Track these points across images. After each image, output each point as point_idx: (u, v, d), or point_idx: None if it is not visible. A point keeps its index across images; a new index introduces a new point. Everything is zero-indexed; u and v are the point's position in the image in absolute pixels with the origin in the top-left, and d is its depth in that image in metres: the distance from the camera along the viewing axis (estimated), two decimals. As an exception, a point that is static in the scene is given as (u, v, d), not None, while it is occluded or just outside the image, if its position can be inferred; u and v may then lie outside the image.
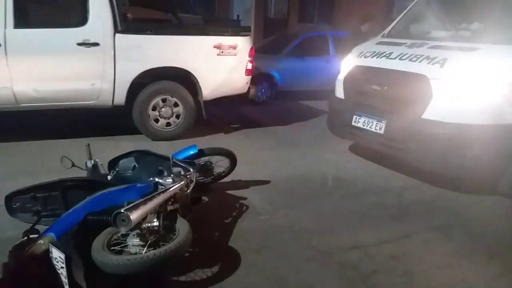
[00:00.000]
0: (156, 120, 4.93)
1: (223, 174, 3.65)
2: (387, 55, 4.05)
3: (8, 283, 2.17)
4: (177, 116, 5.00)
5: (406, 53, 3.92)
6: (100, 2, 4.39)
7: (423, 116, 3.58)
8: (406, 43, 4.13)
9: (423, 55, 3.76)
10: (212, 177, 3.60)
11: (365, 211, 3.40)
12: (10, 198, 2.75)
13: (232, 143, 4.80)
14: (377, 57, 4.14)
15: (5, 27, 4.08)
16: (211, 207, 3.30)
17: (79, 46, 4.34)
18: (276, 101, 7.96)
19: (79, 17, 4.42)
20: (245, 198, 3.49)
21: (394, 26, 4.75)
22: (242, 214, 3.23)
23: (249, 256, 2.62)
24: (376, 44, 4.47)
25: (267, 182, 3.89)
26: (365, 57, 4.29)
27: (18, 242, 2.31)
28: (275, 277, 2.43)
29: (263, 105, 7.80)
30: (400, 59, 3.90)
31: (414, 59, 3.79)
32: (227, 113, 6.84)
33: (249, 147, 5.03)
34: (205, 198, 3.38)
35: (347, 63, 4.53)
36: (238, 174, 3.75)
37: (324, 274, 2.49)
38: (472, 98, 3.44)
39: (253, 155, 4.68)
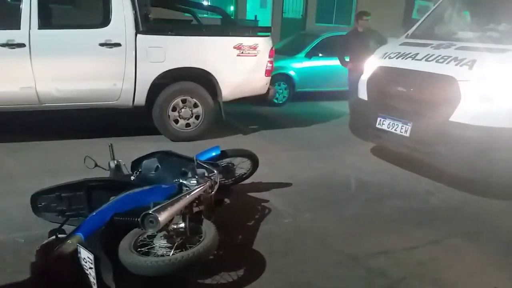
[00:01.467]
0: (176, 121, 4.92)
1: (244, 176, 3.61)
2: (413, 56, 3.97)
3: (37, 282, 2.18)
4: (197, 117, 4.99)
5: (433, 54, 3.83)
6: (122, 3, 4.40)
7: (451, 119, 3.49)
8: (432, 44, 4.04)
9: (451, 56, 3.67)
10: (233, 178, 3.57)
11: (390, 215, 3.33)
12: (35, 198, 2.77)
13: (251, 144, 4.74)
14: (402, 58, 4.06)
15: (29, 28, 4.12)
16: (233, 209, 3.26)
17: (101, 47, 4.36)
18: (295, 102, 7.91)
19: (101, 18, 4.44)
20: (267, 201, 3.45)
21: (418, 26, 4.66)
22: (265, 217, 3.19)
23: (274, 260, 2.58)
24: (401, 45, 4.39)
25: (288, 184, 3.84)
26: (389, 58, 4.21)
27: (45, 242, 2.31)
28: (302, 281, 2.39)
29: (281, 106, 7.75)
30: (427, 60, 3.81)
31: (441, 60, 3.70)
32: (245, 114, 6.81)
33: (268, 148, 4.98)
34: (227, 200, 3.35)
35: (371, 64, 4.45)
36: (258, 176, 3.71)
37: (352, 280, 2.43)
38: (503, 100, 3.34)
39: (273, 156, 4.63)
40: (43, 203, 2.77)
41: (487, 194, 3.68)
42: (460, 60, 3.56)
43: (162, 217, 2.04)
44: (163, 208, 2.10)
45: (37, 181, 3.43)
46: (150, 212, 2.04)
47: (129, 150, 4.00)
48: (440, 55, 3.78)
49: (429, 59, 3.80)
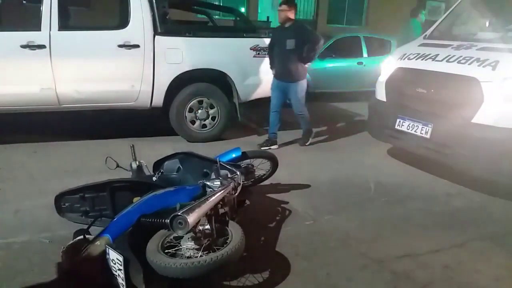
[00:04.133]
0: (192, 122, 4.93)
1: (263, 177, 3.60)
2: (433, 57, 3.93)
3: (64, 283, 2.19)
4: (213, 118, 5.00)
5: (454, 55, 3.79)
6: (141, 4, 4.42)
7: (473, 120, 3.45)
8: (452, 44, 3.99)
9: (473, 57, 3.63)
10: (252, 180, 3.56)
11: (411, 217, 3.30)
12: (59, 198, 2.79)
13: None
14: (422, 59, 4.02)
15: (50, 29, 4.16)
16: (254, 211, 3.25)
17: (119, 48, 4.38)
18: (308, 103, 7.86)
19: (120, 19, 4.48)
20: (286, 202, 3.44)
21: (436, 27, 4.61)
22: (286, 218, 3.18)
23: (298, 262, 2.56)
24: (419, 46, 4.34)
25: (307, 186, 3.82)
26: (408, 59, 4.17)
27: (71, 243, 2.32)
28: (328, 285, 2.37)
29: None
30: (448, 61, 3.77)
31: (463, 61, 3.65)
32: (259, 115, 6.80)
33: (283, 150, 4.98)
34: (247, 202, 3.35)
35: (389, 65, 4.42)
36: (276, 177, 3.69)
37: (378, 283, 2.41)
38: (528, 102, 3.29)
39: (289, 158, 4.61)
40: (66, 204, 2.80)
41: (510, 197, 3.62)
42: (483, 61, 3.51)
43: (191, 218, 2.04)
44: (192, 210, 2.10)
45: (57, 181, 3.47)
46: (179, 213, 2.04)
47: (147, 150, 4.01)
48: (461, 56, 3.73)
49: (450, 60, 3.76)
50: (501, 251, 2.83)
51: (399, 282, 2.43)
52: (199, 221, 2.18)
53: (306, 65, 4.80)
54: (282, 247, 2.73)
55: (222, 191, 2.45)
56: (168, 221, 2.05)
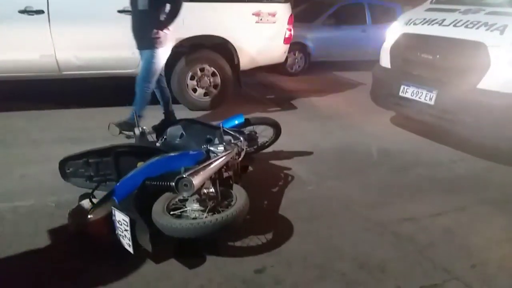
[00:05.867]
0: (194, 90, 4.89)
1: (266, 144, 3.61)
2: (440, 22, 3.84)
3: (71, 245, 2.23)
4: (215, 86, 4.95)
5: (461, 20, 3.70)
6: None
7: (479, 86, 3.41)
8: (460, 9, 3.90)
9: (480, 22, 3.55)
10: (255, 146, 3.56)
11: (414, 183, 3.32)
12: (63, 163, 2.80)
13: (268, 114, 4.75)
14: (428, 24, 3.93)
15: (47, -6, 4.05)
16: (258, 176, 3.28)
17: (119, 13, 4.28)
18: (310, 71, 7.80)
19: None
20: (289, 168, 3.45)
21: (444, -9, 4.48)
22: (289, 184, 3.20)
23: (300, 225, 2.60)
24: (426, 10, 4.24)
25: (310, 153, 3.83)
26: (414, 24, 4.08)
27: (76, 206, 2.36)
28: (330, 245, 2.41)
29: (296, 75, 7.65)
30: (455, 26, 3.69)
31: (470, 26, 3.57)
32: (262, 83, 6.75)
33: (286, 118, 4.92)
34: (250, 168, 3.36)
35: (394, 31, 4.33)
36: (279, 144, 3.70)
37: (380, 244, 2.45)
38: (536, 67, 3.24)
39: (292, 126, 4.59)
40: (71, 169, 2.81)
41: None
42: (491, 26, 3.43)
43: (196, 180, 2.05)
44: (197, 172, 2.11)
45: (61, 148, 3.46)
46: (184, 175, 2.05)
47: (148, 118, 3.99)
48: (468, 21, 3.65)
49: (457, 24, 3.68)
50: (501, 215, 2.86)
51: (401, 244, 2.47)
52: (204, 184, 2.20)
53: (163, 32, 3.74)
54: (285, 211, 2.76)
55: (226, 156, 2.46)
56: (174, 183, 2.06)
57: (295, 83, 7.08)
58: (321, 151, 3.88)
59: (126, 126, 3.55)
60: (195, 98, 4.90)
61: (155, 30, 3.68)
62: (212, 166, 2.26)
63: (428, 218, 2.76)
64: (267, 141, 3.60)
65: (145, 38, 3.74)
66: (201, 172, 2.13)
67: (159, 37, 3.72)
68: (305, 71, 7.82)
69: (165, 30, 3.75)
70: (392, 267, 2.23)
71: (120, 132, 3.29)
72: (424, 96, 3.81)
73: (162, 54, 3.83)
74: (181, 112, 4.65)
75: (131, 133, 3.31)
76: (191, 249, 2.26)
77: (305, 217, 2.71)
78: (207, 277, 2.07)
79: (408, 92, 3.96)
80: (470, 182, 3.38)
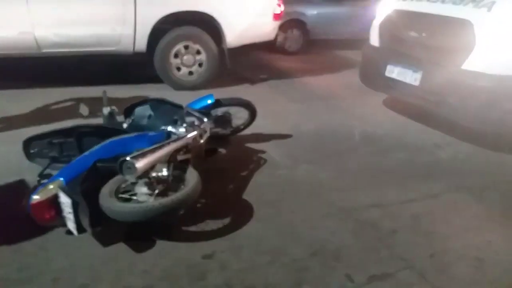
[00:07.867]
0: (178, 69, 4.79)
1: (242, 127, 3.51)
2: (428, -2, 3.63)
3: (20, 227, 2.21)
4: (200, 65, 4.84)
5: (450, -5, 3.49)
6: None
7: (464, 67, 3.24)
8: (451, -16, 3.67)
9: (469, -3, 3.33)
10: (231, 129, 3.47)
11: (392, 168, 3.21)
12: (28, 143, 2.77)
13: (258, 94, 4.63)
14: (417, 0, 3.73)
15: (24, -30, 3.96)
16: (228, 160, 3.21)
17: (99, -11, 4.18)
18: (310, 50, 7.59)
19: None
20: (264, 152, 3.36)
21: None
22: (260, 167, 3.12)
23: (262, 209, 2.53)
24: (417, -15, 4.01)
25: (289, 136, 3.73)
26: (404, 0, 3.88)
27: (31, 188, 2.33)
28: (288, 231, 2.35)
29: (294, 54, 7.46)
30: (443, 2, 3.48)
31: (458, 1, 3.37)
32: (255, 63, 6.60)
33: (274, 98, 4.85)
34: (222, 150, 3.29)
35: (385, 7, 4.12)
36: (259, 126, 3.61)
37: (340, 231, 2.37)
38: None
39: (278, 107, 4.50)
40: (35, 149, 2.78)
41: (497, 148, 3.49)
42: (479, 2, 3.22)
43: (140, 163, 1.99)
44: (142, 155, 2.05)
45: (34, 127, 3.43)
46: (127, 158, 1.99)
47: (130, 98, 3.92)
48: (458, -4, 3.44)
49: (445, 0, 3.47)
50: (475, 203, 2.75)
51: (361, 230, 2.39)
52: (154, 166, 2.14)
53: None
54: (250, 195, 2.70)
55: (182, 138, 2.39)
56: (117, 165, 2.01)
57: (291, 62, 6.91)
58: (301, 134, 3.78)
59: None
60: (179, 77, 4.81)
61: None
62: (163, 149, 2.19)
63: (397, 205, 2.67)
64: (242, 123, 3.50)
65: None
66: (148, 155, 2.07)
67: None
68: (304, 50, 7.62)
69: None
70: (347, 255, 2.16)
71: (90, 112, 3.23)
72: (410, 77, 3.65)
73: None
74: (164, 92, 4.55)
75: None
76: (142, 233, 2.22)
77: (269, 201, 2.64)
78: (153, 262, 2.04)
79: (394, 72, 3.81)
80: (450, 167, 3.25)
